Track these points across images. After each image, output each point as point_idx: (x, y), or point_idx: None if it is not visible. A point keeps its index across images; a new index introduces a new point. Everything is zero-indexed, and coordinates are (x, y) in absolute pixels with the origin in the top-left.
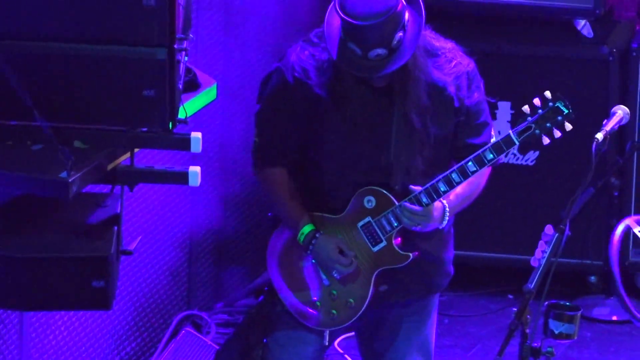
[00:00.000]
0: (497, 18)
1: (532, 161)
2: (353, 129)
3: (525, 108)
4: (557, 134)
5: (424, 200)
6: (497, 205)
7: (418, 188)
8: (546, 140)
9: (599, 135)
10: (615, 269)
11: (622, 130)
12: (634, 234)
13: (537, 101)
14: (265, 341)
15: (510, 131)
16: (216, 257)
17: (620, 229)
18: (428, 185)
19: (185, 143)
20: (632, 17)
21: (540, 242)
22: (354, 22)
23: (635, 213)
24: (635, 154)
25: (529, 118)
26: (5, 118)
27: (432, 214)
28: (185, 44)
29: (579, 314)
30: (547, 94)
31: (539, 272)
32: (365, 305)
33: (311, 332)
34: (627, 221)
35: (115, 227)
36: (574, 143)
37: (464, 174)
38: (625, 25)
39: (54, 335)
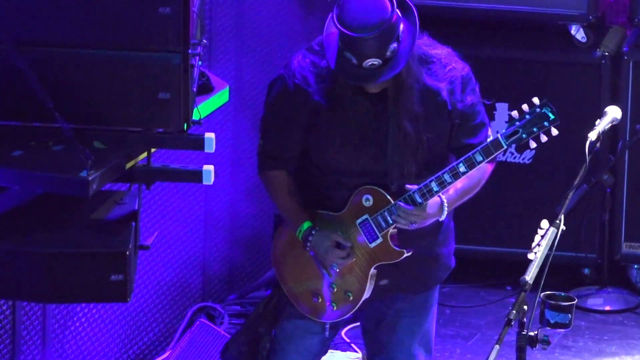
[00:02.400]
0: (495, 24)
1: (528, 159)
2: (350, 133)
3: (514, 113)
4: (544, 138)
5: (418, 199)
6: (495, 201)
7: (413, 187)
8: (533, 144)
9: (592, 135)
10: None
11: (614, 130)
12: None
13: (525, 106)
14: (273, 332)
15: (499, 135)
16: (228, 252)
17: None
18: (422, 185)
19: (199, 143)
20: (623, 22)
21: (537, 236)
22: (350, 33)
23: (627, 209)
24: (627, 153)
25: (517, 123)
26: (28, 120)
27: (426, 211)
28: (198, 49)
29: (573, 304)
30: (535, 100)
31: (536, 264)
32: (363, 298)
33: (315, 322)
34: None
35: (133, 224)
36: (568, 142)
37: (455, 175)
38: (616, 30)
39: (75, 326)
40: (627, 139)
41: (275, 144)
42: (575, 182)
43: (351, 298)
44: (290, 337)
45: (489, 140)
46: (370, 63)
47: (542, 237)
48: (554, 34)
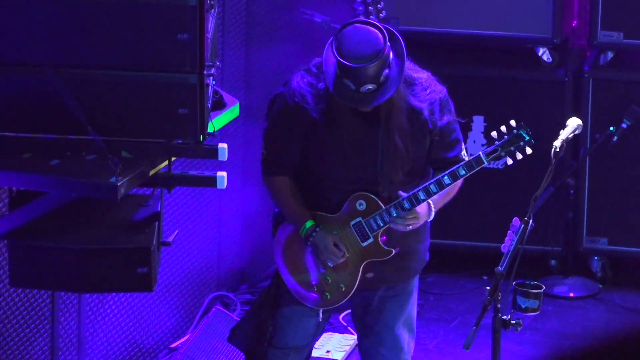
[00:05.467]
0: (471, 47)
1: (502, 165)
2: (344, 146)
3: (494, 134)
4: (519, 156)
5: (407, 205)
6: (474, 201)
7: (404, 194)
8: (510, 161)
9: (557, 143)
10: None
11: (576, 139)
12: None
13: (503, 128)
14: (274, 316)
15: (481, 152)
16: (240, 248)
17: None
18: (410, 193)
19: (213, 152)
20: (584, 45)
21: (509, 232)
22: (349, 64)
23: (588, 208)
24: (587, 159)
25: (496, 142)
26: (64, 133)
27: (418, 213)
28: (212, 70)
29: (542, 291)
30: (512, 122)
31: (508, 256)
32: (353, 290)
33: (310, 308)
34: None
35: (157, 223)
36: (536, 149)
37: (440, 186)
38: (578, 51)
39: (107, 312)
40: (588, 146)
41: (276, 153)
42: (543, 185)
43: (343, 289)
44: (289, 320)
45: (472, 157)
46: (367, 88)
47: (514, 232)
48: (523, 55)
